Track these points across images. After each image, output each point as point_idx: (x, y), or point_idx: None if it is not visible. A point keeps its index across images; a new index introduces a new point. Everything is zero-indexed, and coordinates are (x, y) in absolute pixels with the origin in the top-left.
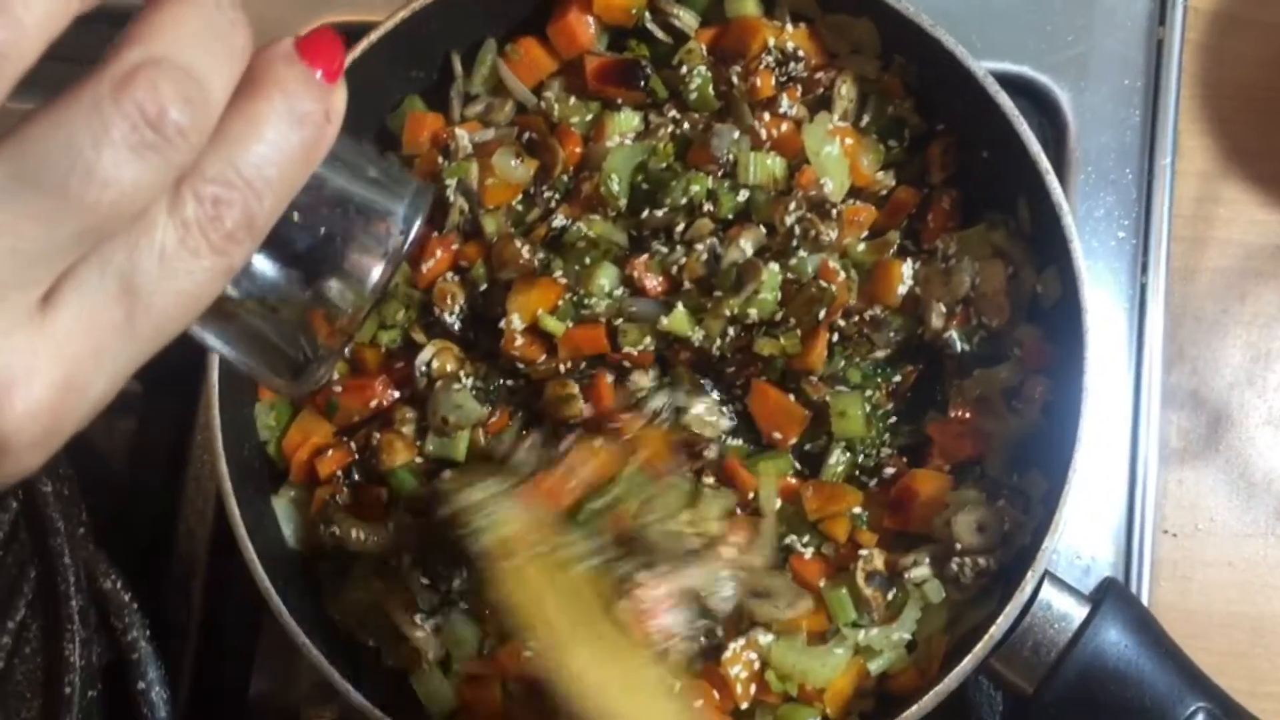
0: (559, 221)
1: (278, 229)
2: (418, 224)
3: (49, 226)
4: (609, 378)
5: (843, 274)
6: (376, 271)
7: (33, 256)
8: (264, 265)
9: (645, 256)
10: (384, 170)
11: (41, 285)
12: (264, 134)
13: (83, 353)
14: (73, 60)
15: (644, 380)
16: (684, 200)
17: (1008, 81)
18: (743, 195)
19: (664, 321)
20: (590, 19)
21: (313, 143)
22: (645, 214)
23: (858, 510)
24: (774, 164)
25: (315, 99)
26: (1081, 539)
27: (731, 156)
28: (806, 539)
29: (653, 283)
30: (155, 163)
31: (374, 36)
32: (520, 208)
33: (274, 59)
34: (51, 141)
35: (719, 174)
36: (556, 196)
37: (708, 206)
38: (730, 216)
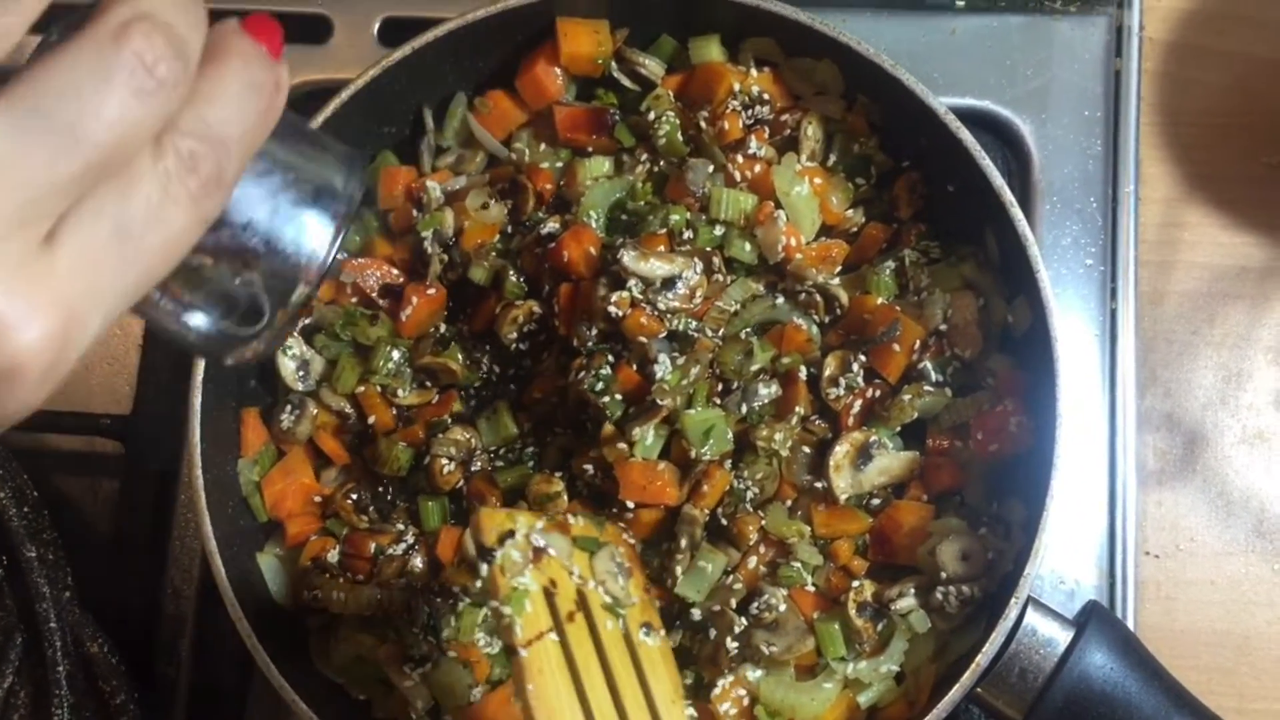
0: (549, 228)
1: (238, 192)
2: (358, 185)
3: (56, 162)
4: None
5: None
6: (328, 232)
7: (40, 193)
8: (226, 226)
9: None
10: (321, 141)
11: (45, 223)
12: (228, 96)
13: (82, 290)
14: None
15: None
16: (663, 230)
17: (970, 116)
18: (718, 230)
19: None
20: (558, 70)
21: (267, 107)
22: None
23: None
24: (745, 200)
25: (267, 69)
26: (1065, 564)
27: (706, 190)
28: (808, 559)
29: None
30: (151, 107)
31: (345, 94)
32: (500, 245)
33: (227, 33)
34: (61, 83)
35: (696, 208)
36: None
37: (687, 234)
38: (708, 249)
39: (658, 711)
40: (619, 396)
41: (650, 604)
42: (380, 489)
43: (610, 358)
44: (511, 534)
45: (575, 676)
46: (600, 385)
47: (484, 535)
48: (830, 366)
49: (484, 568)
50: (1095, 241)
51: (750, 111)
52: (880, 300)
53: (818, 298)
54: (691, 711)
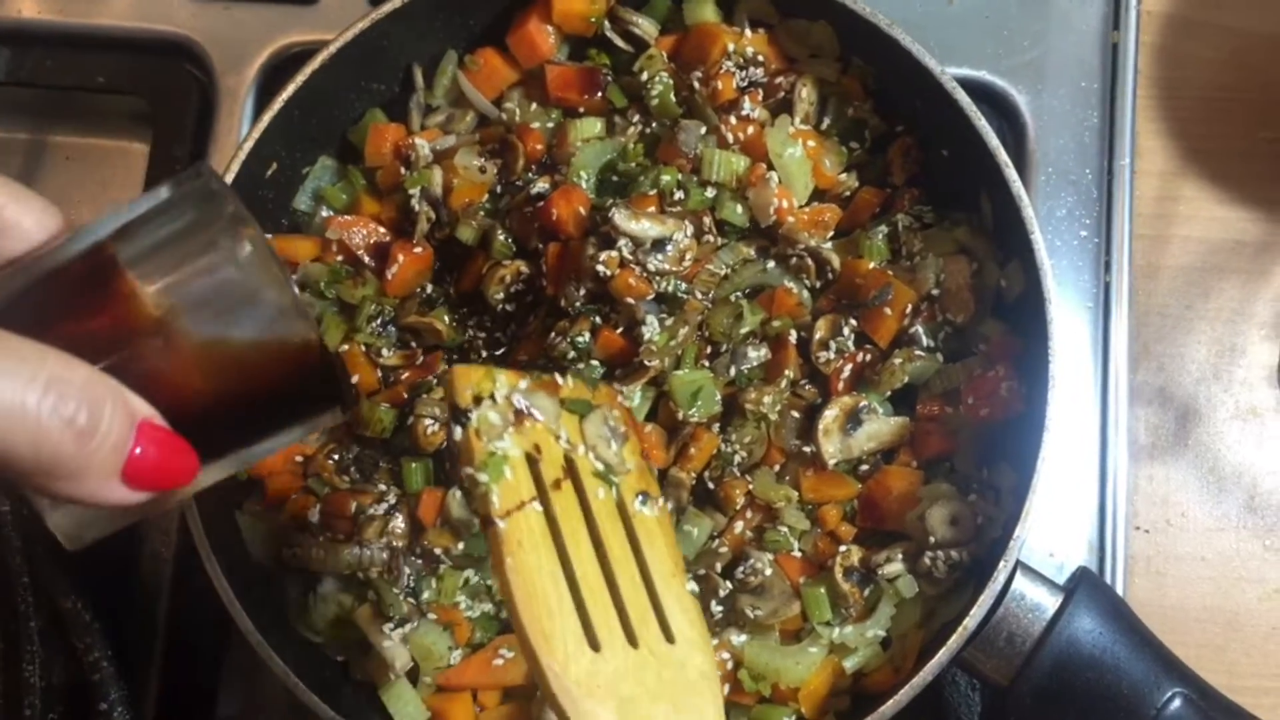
0: (538, 189)
1: None
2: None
3: None
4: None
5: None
6: None
7: None
8: None
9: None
10: None
11: None
12: None
13: None
14: (47, 86)
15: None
16: (653, 191)
17: (967, 87)
18: (710, 192)
19: None
20: (550, 28)
21: None
22: None
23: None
24: (737, 162)
25: None
26: (1054, 538)
27: (698, 151)
28: (795, 524)
29: None
30: None
31: (332, 49)
32: (489, 205)
33: None
34: None
35: (688, 169)
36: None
37: (678, 195)
38: (699, 211)
39: (655, 586)
40: (595, 362)
41: (647, 471)
42: (362, 449)
43: (594, 320)
44: (491, 395)
45: (561, 549)
46: (573, 353)
47: (458, 395)
48: (821, 330)
49: (458, 431)
50: (1090, 213)
51: (744, 73)
52: (872, 265)
53: (809, 261)
54: (693, 586)
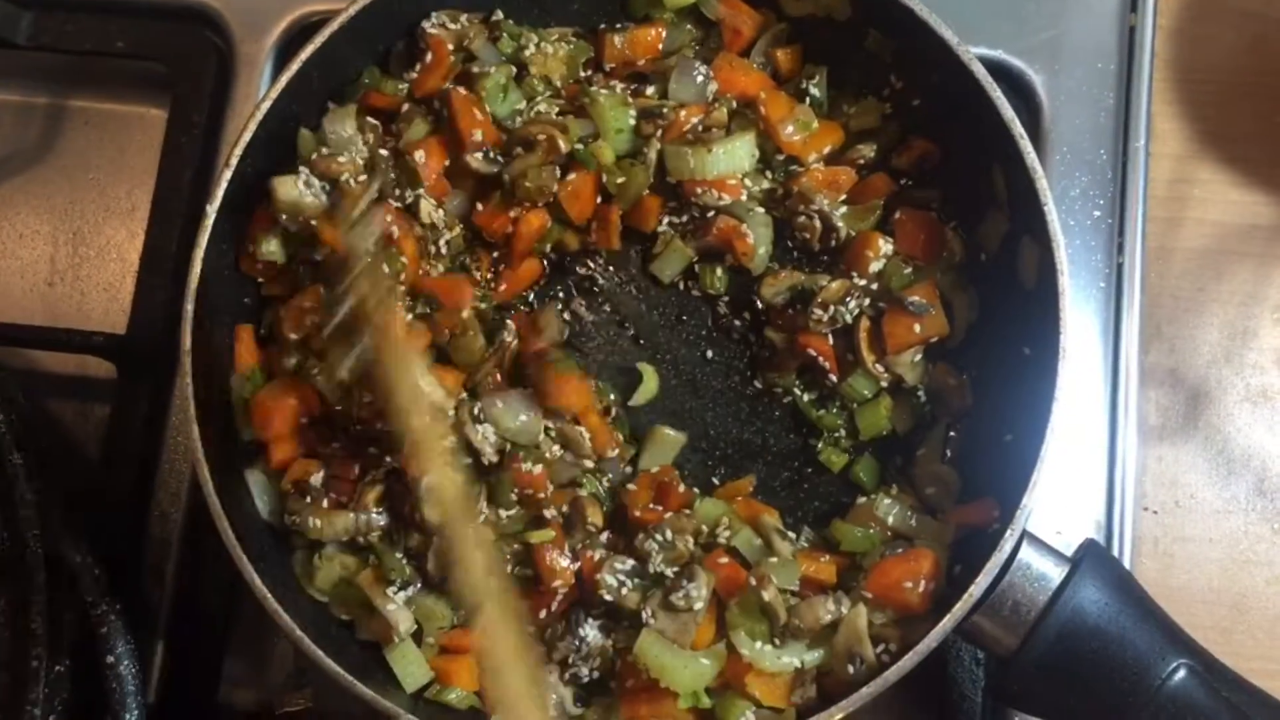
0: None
1: None
2: None
3: None
4: None
5: None
6: None
7: None
8: None
9: None
10: None
11: None
12: None
13: None
14: (67, 51)
15: None
16: None
17: (983, 65)
18: None
19: None
20: None
21: None
22: None
23: None
24: None
25: None
26: (1063, 517)
27: None
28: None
29: None
30: None
31: (350, 11)
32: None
33: None
34: None
35: None
36: None
37: None
38: None
39: None
40: None
41: None
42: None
43: None
44: None
45: None
46: None
47: None
48: (831, 289)
49: None
50: (1104, 194)
51: None
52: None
53: (816, 223)
54: None
